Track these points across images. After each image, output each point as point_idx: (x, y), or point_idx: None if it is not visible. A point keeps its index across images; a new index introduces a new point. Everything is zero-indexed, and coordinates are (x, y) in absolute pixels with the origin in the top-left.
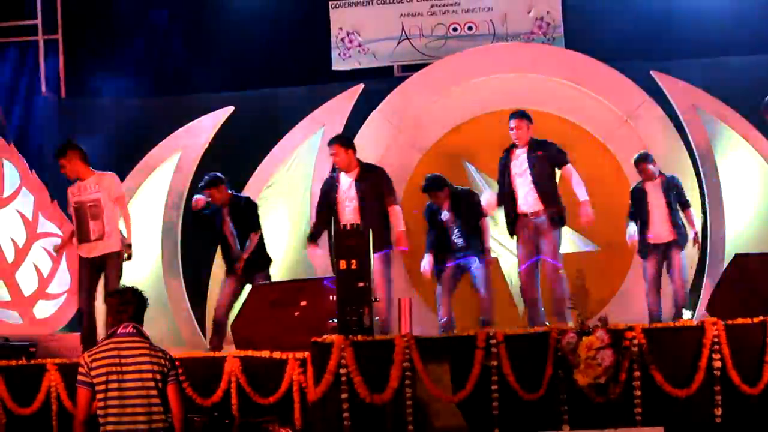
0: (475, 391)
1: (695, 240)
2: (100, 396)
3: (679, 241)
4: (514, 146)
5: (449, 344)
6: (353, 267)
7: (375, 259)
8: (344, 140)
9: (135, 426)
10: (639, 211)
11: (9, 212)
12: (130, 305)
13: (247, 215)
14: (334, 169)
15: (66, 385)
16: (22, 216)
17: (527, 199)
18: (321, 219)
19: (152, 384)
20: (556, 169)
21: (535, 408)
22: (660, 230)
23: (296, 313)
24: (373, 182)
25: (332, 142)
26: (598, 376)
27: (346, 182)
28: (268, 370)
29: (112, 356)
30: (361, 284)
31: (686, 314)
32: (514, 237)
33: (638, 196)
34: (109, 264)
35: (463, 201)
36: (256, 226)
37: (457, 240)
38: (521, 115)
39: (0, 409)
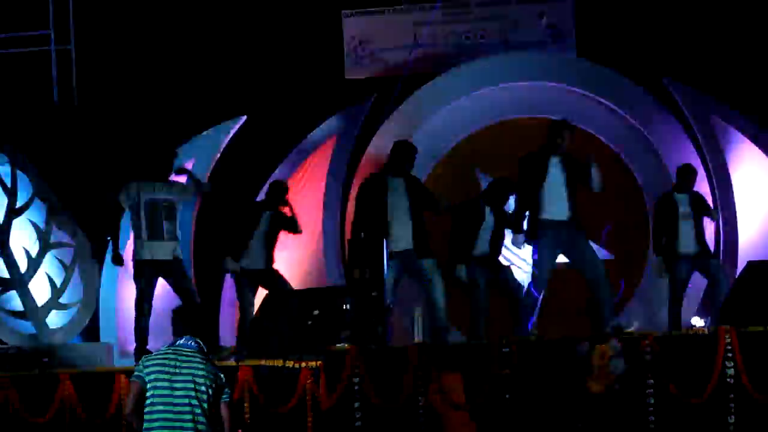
0: (488, 400)
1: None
2: (148, 393)
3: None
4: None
5: (462, 353)
6: (367, 276)
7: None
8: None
9: (183, 424)
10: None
11: (22, 222)
12: (191, 320)
13: None
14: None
15: (79, 394)
16: (35, 226)
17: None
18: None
19: (203, 389)
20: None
21: (549, 416)
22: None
23: (309, 322)
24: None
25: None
26: (611, 384)
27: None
28: (281, 379)
29: (169, 358)
30: (374, 293)
31: (699, 322)
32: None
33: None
34: (177, 267)
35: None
36: None
37: None
38: None
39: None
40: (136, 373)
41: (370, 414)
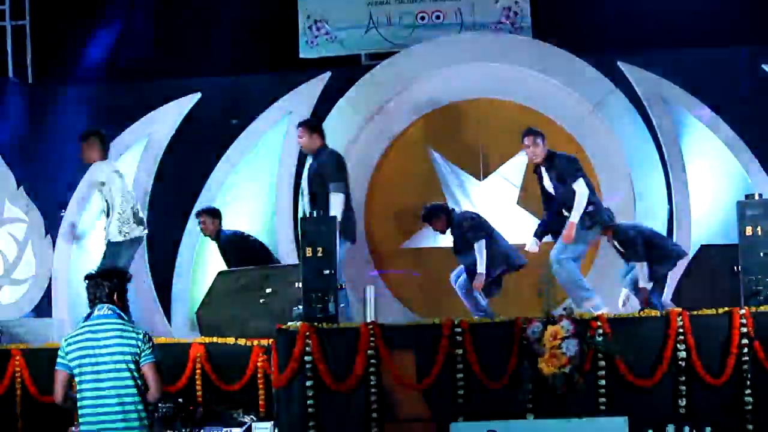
0: (440, 379)
1: None
2: (76, 380)
3: None
4: None
5: (414, 332)
6: (319, 254)
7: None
8: (310, 123)
9: (108, 409)
10: None
11: None
12: (103, 287)
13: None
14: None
15: (30, 370)
16: None
17: None
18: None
19: (123, 365)
20: None
21: (500, 396)
22: None
23: (261, 300)
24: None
25: (299, 124)
26: (562, 365)
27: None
28: (233, 357)
29: (87, 339)
30: (326, 272)
31: None
32: None
33: None
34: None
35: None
36: None
37: None
38: None
39: None
40: (59, 360)
41: (322, 392)
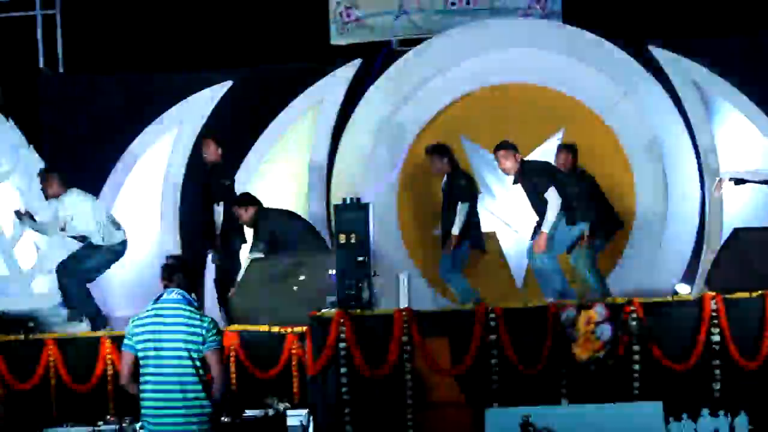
0: (474, 365)
1: None
2: (141, 362)
3: None
4: None
5: (448, 318)
6: (353, 241)
7: None
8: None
9: (169, 395)
10: None
11: (7, 187)
12: (174, 272)
13: None
14: None
15: (64, 359)
16: (21, 191)
17: None
18: None
19: (185, 353)
20: None
21: (534, 382)
22: None
23: (295, 287)
24: None
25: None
26: (597, 350)
27: None
28: (266, 345)
29: (152, 322)
30: (360, 258)
31: (684, 288)
32: None
33: None
34: None
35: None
36: None
37: None
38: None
39: None
40: (125, 341)
41: (356, 379)
